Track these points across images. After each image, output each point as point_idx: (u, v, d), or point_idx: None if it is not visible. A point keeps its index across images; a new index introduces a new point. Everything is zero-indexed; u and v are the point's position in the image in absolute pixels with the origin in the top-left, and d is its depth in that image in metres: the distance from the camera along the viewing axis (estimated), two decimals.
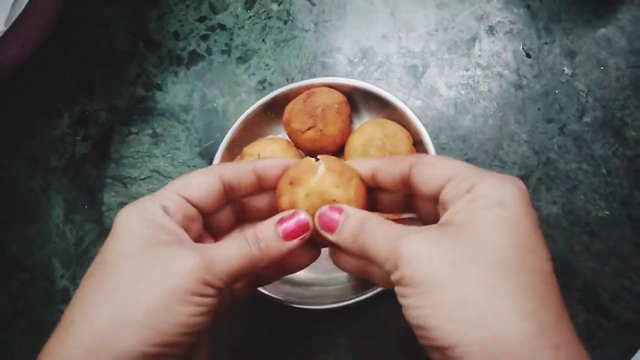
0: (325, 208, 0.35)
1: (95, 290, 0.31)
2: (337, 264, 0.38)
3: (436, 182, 0.32)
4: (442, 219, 0.31)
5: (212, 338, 0.36)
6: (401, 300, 0.29)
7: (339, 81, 0.57)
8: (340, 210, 0.34)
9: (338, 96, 0.56)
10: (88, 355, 0.28)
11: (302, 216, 0.34)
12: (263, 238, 0.33)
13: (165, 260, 0.31)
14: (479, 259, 0.27)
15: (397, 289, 0.29)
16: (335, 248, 0.38)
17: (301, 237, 0.34)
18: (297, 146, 0.57)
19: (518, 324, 0.25)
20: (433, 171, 0.32)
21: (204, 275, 0.30)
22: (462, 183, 0.30)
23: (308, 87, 0.58)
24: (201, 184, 0.36)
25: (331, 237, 0.34)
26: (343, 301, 0.48)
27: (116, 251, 0.32)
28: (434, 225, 0.31)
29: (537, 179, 0.54)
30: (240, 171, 0.38)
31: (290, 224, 0.34)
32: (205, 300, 0.30)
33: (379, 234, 0.31)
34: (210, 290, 0.31)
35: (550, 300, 0.27)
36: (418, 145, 0.53)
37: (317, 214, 0.35)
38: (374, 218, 0.33)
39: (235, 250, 0.33)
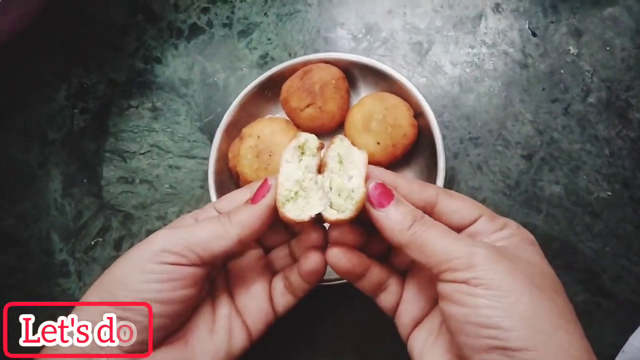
0: (376, 182, 0.35)
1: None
2: (334, 264, 0.38)
3: (469, 215, 0.36)
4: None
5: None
6: (464, 298, 0.30)
7: (335, 56, 0.56)
8: (390, 192, 0.35)
9: (335, 71, 0.55)
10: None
11: (265, 182, 0.37)
12: (233, 210, 0.37)
13: (146, 240, 0.36)
14: (544, 282, 0.32)
15: (458, 287, 0.31)
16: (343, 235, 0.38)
17: (263, 194, 0.36)
18: (296, 125, 0.56)
19: (581, 342, 0.30)
20: (464, 205, 0.36)
21: (162, 244, 0.34)
22: (494, 222, 0.36)
23: (304, 64, 0.56)
24: (232, 196, 0.41)
25: (377, 212, 0.34)
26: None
27: None
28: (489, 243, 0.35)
29: (540, 159, 0.54)
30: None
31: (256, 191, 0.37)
32: (164, 267, 0.34)
33: (444, 233, 0.33)
34: (170, 258, 0.34)
35: None
36: (419, 117, 0.52)
37: (370, 183, 0.35)
38: (427, 215, 0.35)
39: (205, 222, 0.37)
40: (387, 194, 0.35)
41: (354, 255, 0.38)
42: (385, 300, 0.40)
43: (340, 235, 0.37)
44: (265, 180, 0.37)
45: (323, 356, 0.51)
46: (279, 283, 0.42)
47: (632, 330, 0.47)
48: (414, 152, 0.54)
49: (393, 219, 0.34)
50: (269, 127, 0.54)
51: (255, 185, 0.40)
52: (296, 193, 0.36)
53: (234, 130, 0.56)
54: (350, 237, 0.38)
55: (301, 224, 0.36)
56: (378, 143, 0.51)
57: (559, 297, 0.32)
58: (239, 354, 0.39)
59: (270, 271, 0.43)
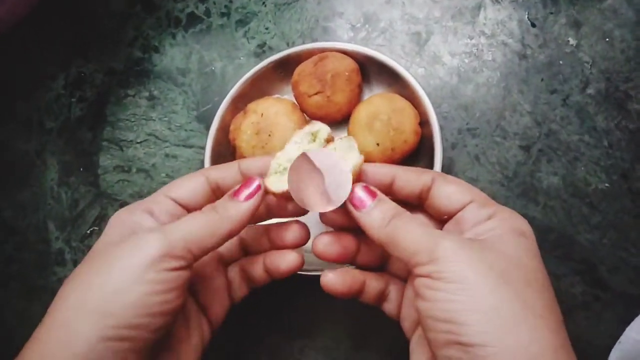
0: (360, 185, 0.35)
1: (68, 283, 0.32)
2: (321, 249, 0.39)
3: (458, 200, 0.35)
4: (467, 234, 0.34)
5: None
6: (426, 292, 0.30)
7: (353, 48, 0.55)
8: (373, 194, 0.35)
9: (350, 63, 0.55)
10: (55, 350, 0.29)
11: (255, 181, 0.36)
12: (219, 203, 0.35)
13: (132, 246, 0.32)
14: (513, 275, 0.30)
15: (423, 281, 0.31)
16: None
17: (254, 194, 0.35)
18: (302, 110, 0.56)
19: (547, 338, 0.28)
20: (456, 190, 0.36)
21: (162, 249, 0.31)
22: (484, 209, 0.34)
23: (322, 50, 0.56)
24: (186, 184, 0.38)
25: (357, 213, 0.35)
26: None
27: (97, 245, 0.35)
28: (464, 237, 0.34)
29: (538, 150, 0.54)
30: (224, 170, 0.40)
31: (242, 187, 0.36)
32: (167, 275, 0.31)
33: (415, 227, 0.33)
34: (171, 263, 0.31)
35: (562, 320, 0.30)
36: (424, 125, 0.51)
37: (356, 186, 0.35)
38: (407, 212, 0.35)
39: (191, 218, 0.34)
40: (369, 195, 0.35)
41: (347, 276, 0.38)
42: (388, 307, 0.40)
43: (326, 248, 0.38)
44: (258, 186, 0.36)
45: (318, 347, 0.51)
46: (235, 276, 0.42)
47: (629, 322, 0.47)
48: (413, 158, 0.53)
49: (374, 217, 0.34)
50: (275, 107, 0.54)
51: (214, 170, 0.40)
52: (285, 168, 0.36)
53: (241, 102, 0.56)
54: (337, 247, 0.38)
55: (280, 196, 0.36)
56: (377, 144, 0.50)
57: (532, 290, 0.30)
58: (206, 347, 0.39)
59: (223, 263, 0.42)
